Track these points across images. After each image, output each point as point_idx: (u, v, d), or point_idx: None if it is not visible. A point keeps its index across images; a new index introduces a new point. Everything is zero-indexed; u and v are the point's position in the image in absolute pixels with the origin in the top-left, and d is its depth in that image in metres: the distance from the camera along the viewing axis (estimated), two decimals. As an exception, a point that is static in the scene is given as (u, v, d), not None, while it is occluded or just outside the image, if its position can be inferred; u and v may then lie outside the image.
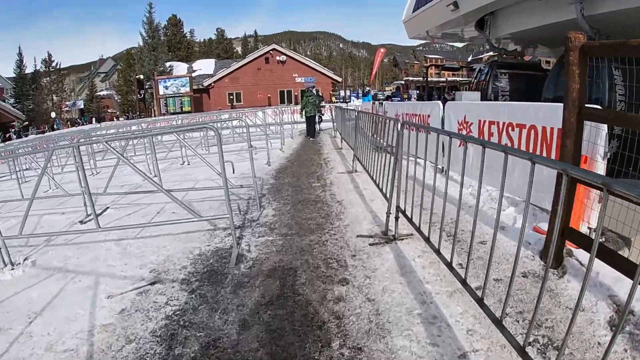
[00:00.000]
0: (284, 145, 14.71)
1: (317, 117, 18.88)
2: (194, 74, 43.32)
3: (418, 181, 4.43)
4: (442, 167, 7.64)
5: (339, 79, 46.96)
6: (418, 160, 6.30)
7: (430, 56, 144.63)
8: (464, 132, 7.04)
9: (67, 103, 60.00)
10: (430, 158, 6.80)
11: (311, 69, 42.93)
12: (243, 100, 41.23)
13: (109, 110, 64.28)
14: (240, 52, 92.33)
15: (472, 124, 6.84)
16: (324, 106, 22.30)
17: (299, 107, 20.70)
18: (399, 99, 18.86)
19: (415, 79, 71.70)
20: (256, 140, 11.32)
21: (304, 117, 18.20)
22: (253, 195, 7.09)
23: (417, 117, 9.26)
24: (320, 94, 23.04)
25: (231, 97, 41.16)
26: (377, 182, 6.33)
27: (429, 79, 78.03)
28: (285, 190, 7.78)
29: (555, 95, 9.30)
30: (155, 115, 39.73)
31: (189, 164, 11.88)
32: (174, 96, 39.92)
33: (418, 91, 21.95)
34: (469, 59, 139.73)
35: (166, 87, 40.00)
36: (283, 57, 41.76)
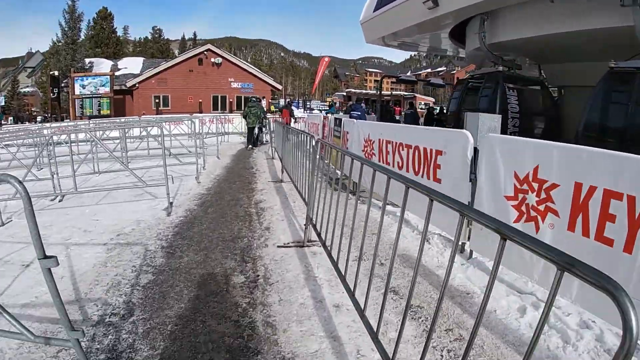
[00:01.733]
0: (205, 170, 11.09)
1: (256, 129, 18.04)
2: (118, 73, 38.58)
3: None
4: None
5: (280, 87, 43.45)
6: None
7: (370, 70, 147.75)
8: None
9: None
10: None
11: (249, 74, 39.20)
12: (171, 105, 36.93)
13: (33, 109, 58.79)
14: (177, 55, 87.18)
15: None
16: (266, 117, 20.02)
17: (233, 115, 21.70)
18: (358, 113, 15.11)
19: (357, 90, 69.95)
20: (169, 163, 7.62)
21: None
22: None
23: (416, 151, 5.87)
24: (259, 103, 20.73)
25: (157, 100, 36.70)
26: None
27: (368, 91, 76.70)
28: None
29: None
30: (70, 119, 34.83)
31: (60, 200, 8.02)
32: (91, 97, 35.08)
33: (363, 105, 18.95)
34: (408, 74, 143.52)
35: (83, 86, 35.09)
36: (219, 59, 37.79)
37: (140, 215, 6.68)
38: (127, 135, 14.29)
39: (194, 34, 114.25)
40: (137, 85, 36.71)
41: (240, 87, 38.55)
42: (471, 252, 4.76)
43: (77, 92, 34.98)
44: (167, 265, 4.62)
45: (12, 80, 69.81)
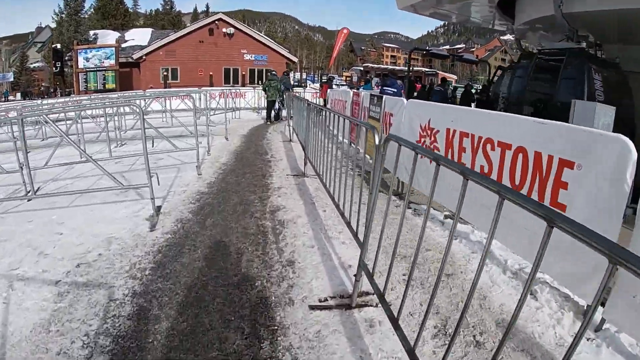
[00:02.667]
0: (209, 155, 9.14)
1: (277, 103, 17.49)
2: (124, 45, 36.40)
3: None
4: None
5: (295, 59, 40.92)
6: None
7: (387, 45, 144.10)
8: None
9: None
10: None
11: (263, 45, 36.68)
12: (180, 78, 34.68)
13: (43, 84, 57.45)
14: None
15: None
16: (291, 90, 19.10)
17: (245, 89, 21.29)
18: (394, 90, 12.76)
19: (375, 65, 67.43)
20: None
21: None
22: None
23: (520, 155, 3.81)
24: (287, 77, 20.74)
25: (165, 73, 34.51)
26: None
27: (387, 66, 74.17)
28: None
29: None
30: (74, 93, 32.93)
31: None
32: (95, 70, 32.94)
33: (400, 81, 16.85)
34: (440, 48, 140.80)
35: (87, 59, 32.97)
36: (231, 30, 35.33)
37: (116, 228, 4.76)
38: (121, 112, 12.34)
39: (207, 6, 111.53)
40: (144, 57, 34.49)
41: (253, 59, 36.15)
42: (602, 321, 2.92)
43: (80, 65, 32.88)
44: (135, 337, 2.69)
45: (20, 56, 68.80)
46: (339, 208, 4.41)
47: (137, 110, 5.42)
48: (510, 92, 10.15)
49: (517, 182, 3.78)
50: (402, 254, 4.17)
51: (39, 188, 6.59)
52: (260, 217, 5.14)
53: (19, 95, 51.93)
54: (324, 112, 6.30)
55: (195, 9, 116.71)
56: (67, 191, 5.90)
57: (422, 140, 5.50)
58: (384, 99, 7.12)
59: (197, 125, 7.78)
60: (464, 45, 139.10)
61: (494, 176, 4.04)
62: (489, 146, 4.20)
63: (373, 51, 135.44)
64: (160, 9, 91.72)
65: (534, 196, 3.50)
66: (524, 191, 3.62)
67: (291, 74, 36.26)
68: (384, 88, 13.47)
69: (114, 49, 33.57)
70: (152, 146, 9.33)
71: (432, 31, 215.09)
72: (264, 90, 17.30)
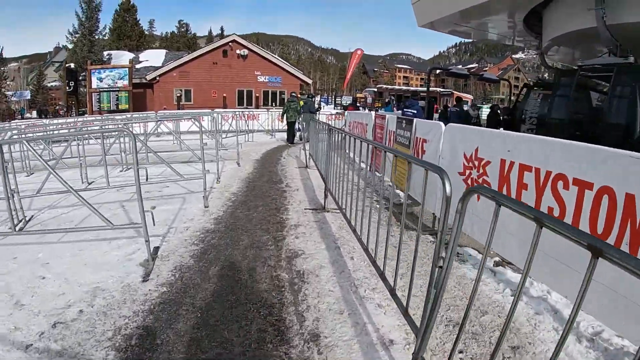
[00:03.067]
0: (219, 183, 8.41)
1: (297, 124, 17.74)
2: (138, 65, 36.16)
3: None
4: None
5: (309, 81, 40.44)
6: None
7: (400, 66, 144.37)
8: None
9: (7, 93, 54.58)
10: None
11: (277, 67, 36.23)
12: (193, 99, 34.26)
13: (60, 103, 57.88)
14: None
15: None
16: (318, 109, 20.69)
17: (258, 111, 21.88)
18: (414, 112, 11.89)
19: (389, 86, 66.95)
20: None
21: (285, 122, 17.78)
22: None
23: (605, 197, 2.95)
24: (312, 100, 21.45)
25: (179, 94, 34.07)
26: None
27: (401, 87, 73.39)
28: None
29: None
30: (88, 113, 32.57)
31: None
32: (108, 90, 32.61)
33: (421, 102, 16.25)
34: (438, 71, 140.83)
35: (100, 79, 32.68)
36: (244, 51, 34.98)
37: (104, 275, 4.03)
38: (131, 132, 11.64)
39: (221, 29, 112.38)
40: (157, 78, 34.18)
41: (267, 80, 35.67)
42: None
43: (94, 85, 32.58)
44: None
45: (38, 74, 69.68)
46: (370, 256, 3.58)
47: (130, 134, 4.57)
48: (546, 112, 9.29)
49: (599, 231, 2.95)
50: (451, 319, 3.31)
51: (32, 217, 5.90)
52: (274, 266, 4.29)
53: (34, 113, 52.38)
54: (350, 139, 5.43)
55: (210, 32, 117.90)
56: (54, 229, 5.12)
57: (468, 172, 4.66)
58: (414, 123, 6.31)
59: (204, 150, 6.99)
60: (477, 65, 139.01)
61: (570, 219, 3.20)
62: (560, 184, 3.35)
63: (386, 72, 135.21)
64: (176, 32, 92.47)
65: (624, 249, 2.70)
66: (613, 238, 2.85)
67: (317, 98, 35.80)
68: (404, 110, 12.71)
69: (127, 69, 33.27)
70: (159, 173, 8.59)
71: (443, 51, 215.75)
72: (285, 112, 17.29)
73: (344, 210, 5.07)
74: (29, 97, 60.59)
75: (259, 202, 6.96)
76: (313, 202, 6.95)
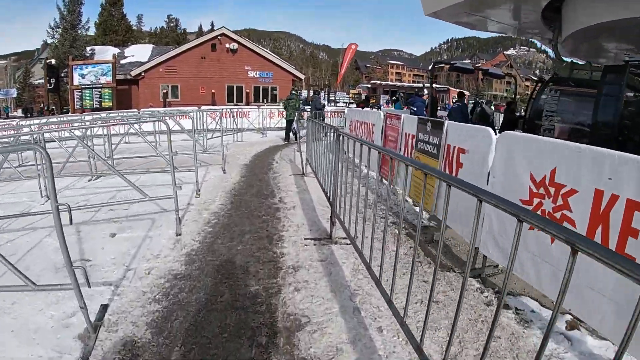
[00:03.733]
0: (198, 197, 6.98)
1: (294, 122, 16.58)
2: (123, 61, 34.48)
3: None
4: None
5: (302, 76, 38.87)
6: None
7: (392, 62, 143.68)
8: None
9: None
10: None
11: (268, 61, 34.60)
12: (181, 96, 32.63)
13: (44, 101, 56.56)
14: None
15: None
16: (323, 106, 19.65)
17: (248, 108, 21.67)
18: (414, 108, 10.94)
19: (383, 82, 65.81)
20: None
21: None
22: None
23: None
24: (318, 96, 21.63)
25: (165, 91, 32.47)
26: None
27: (396, 83, 72.23)
28: None
29: None
30: (70, 111, 30.90)
31: None
32: (91, 87, 30.94)
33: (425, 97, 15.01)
34: (430, 67, 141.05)
35: (82, 76, 30.98)
36: (234, 45, 33.34)
37: (30, 352, 2.85)
38: (95, 134, 10.25)
39: (212, 24, 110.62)
40: (142, 74, 32.48)
41: (258, 76, 34.07)
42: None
43: (75, 82, 30.86)
44: None
45: (24, 72, 67.97)
46: (408, 330, 2.23)
47: (42, 152, 3.15)
48: (582, 115, 7.96)
49: None
50: None
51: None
52: (266, 347, 2.88)
53: (19, 111, 50.88)
54: (367, 150, 4.01)
55: (200, 27, 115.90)
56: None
57: (537, 202, 3.28)
58: (445, 126, 4.92)
59: (186, 155, 5.56)
60: (470, 61, 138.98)
61: None
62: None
63: (378, 68, 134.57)
64: (165, 27, 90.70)
65: None
66: None
67: (300, 92, 34.37)
68: (411, 106, 11.47)
69: (110, 65, 31.56)
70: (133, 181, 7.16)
71: (435, 48, 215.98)
72: (284, 108, 17.03)
73: (358, 244, 3.70)
74: (15, 95, 59.18)
75: (246, 227, 5.52)
76: (315, 227, 5.51)
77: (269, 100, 34.26)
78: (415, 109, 11.78)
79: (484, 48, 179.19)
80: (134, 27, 71.56)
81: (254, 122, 20.88)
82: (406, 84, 72.62)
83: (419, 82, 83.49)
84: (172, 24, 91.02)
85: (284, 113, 17.17)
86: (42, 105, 54.31)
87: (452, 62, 16.84)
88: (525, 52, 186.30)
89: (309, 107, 18.63)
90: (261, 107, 22.92)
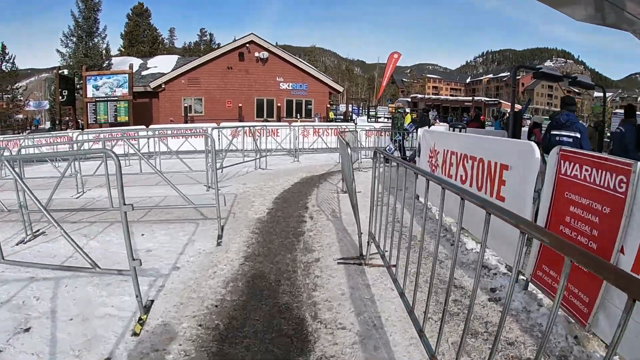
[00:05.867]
0: (141, 323, 2.77)
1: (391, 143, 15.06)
2: (146, 72, 31.21)
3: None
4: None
5: (340, 88, 34.73)
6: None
7: (429, 76, 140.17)
8: None
9: (30, 103, 59.15)
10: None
11: (302, 71, 30.58)
12: (204, 110, 29.01)
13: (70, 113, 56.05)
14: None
15: None
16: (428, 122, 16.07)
17: (279, 125, 18.66)
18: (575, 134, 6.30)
19: (426, 96, 61.93)
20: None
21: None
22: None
23: None
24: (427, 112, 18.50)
25: (186, 105, 28.81)
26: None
27: (432, 96, 68.23)
28: None
29: None
30: (83, 127, 27.55)
31: None
32: (106, 100, 27.53)
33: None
34: (467, 80, 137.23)
35: (96, 87, 27.62)
36: (264, 54, 29.47)
37: None
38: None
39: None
40: (163, 86, 28.92)
41: (290, 88, 30.10)
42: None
43: (89, 94, 27.58)
44: None
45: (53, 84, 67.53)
46: None
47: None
48: None
49: None
50: None
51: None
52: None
53: (48, 123, 50.41)
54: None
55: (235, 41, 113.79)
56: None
57: None
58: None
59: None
60: (508, 74, 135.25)
61: None
62: None
63: (416, 82, 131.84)
64: (198, 41, 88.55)
65: None
66: None
67: (340, 106, 30.57)
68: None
69: (127, 75, 28.03)
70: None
71: (470, 61, 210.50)
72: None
73: None
74: (47, 107, 59.93)
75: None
76: None
77: (303, 115, 30.34)
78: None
79: (520, 60, 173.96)
80: (165, 41, 69.51)
81: (284, 142, 16.77)
82: (451, 98, 68.36)
83: (453, 96, 78.96)
84: (205, 38, 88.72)
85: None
86: (66, 118, 52.64)
87: (537, 67, 12.47)
88: (563, 64, 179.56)
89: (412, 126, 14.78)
90: (293, 123, 18.87)
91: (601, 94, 15.12)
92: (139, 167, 10.09)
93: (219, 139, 14.06)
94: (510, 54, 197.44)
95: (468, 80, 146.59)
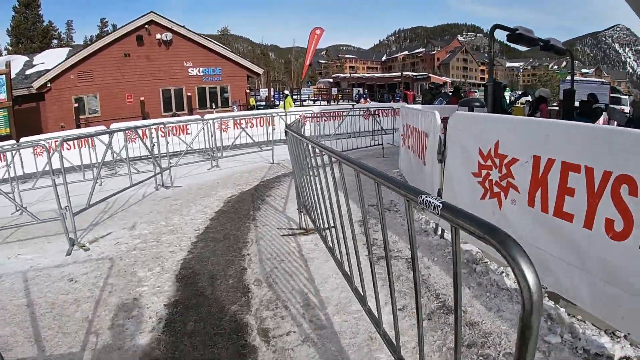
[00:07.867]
0: None
1: None
2: (30, 70, 25.80)
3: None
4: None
5: (260, 71, 30.86)
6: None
7: (347, 56, 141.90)
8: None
9: None
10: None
11: (215, 53, 26.57)
12: (101, 109, 24.44)
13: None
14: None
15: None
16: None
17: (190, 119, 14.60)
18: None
19: (348, 75, 60.33)
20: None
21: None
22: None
23: None
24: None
25: (77, 105, 24.04)
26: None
27: (355, 75, 66.43)
28: None
29: None
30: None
31: None
32: (-24, 109, 22.21)
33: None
34: (383, 58, 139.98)
35: (-37, 93, 22.23)
36: (167, 35, 24.93)
37: None
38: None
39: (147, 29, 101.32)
40: (48, 84, 23.79)
41: (202, 74, 25.93)
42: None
43: (-45, 102, 22.16)
44: None
45: None
46: None
47: None
48: None
49: None
50: None
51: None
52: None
53: None
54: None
55: (131, 22, 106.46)
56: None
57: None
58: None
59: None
60: (424, 49, 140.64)
61: None
62: None
63: (333, 63, 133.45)
64: (100, 33, 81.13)
65: None
66: None
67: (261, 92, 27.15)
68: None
69: (3, 77, 22.70)
70: None
71: (383, 40, 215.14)
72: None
73: None
74: None
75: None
76: None
77: (219, 105, 26.43)
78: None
79: (432, 37, 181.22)
80: (62, 35, 62.40)
81: (197, 140, 12.87)
82: (376, 75, 66.63)
83: (372, 74, 78.85)
84: (106, 29, 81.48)
85: None
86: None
87: (514, 28, 10.30)
88: (473, 38, 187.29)
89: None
90: (207, 115, 15.00)
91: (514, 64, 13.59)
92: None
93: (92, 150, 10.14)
94: (422, 30, 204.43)
95: (384, 58, 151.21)
